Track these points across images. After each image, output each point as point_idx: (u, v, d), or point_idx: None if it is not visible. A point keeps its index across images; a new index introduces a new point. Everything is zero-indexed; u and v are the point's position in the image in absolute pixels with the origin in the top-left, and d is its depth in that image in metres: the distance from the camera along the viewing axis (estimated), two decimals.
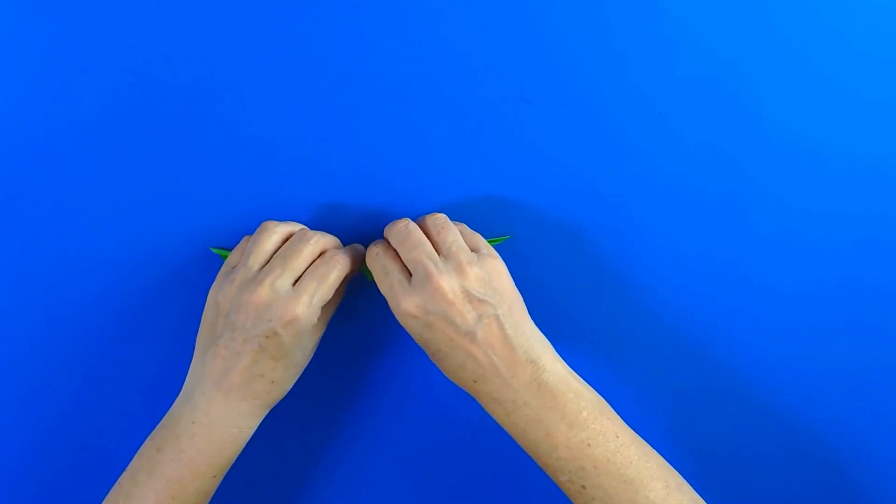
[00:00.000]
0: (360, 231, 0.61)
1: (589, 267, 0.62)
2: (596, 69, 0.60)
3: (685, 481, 0.55)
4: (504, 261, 0.56)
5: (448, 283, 0.52)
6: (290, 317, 0.53)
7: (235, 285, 0.54)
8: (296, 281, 0.55)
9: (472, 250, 0.55)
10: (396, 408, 0.64)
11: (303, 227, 0.58)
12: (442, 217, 0.57)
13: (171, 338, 0.62)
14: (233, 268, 0.57)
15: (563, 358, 0.56)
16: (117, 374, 0.62)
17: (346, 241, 0.61)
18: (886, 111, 0.61)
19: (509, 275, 0.56)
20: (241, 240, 0.59)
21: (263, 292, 0.53)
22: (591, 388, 0.55)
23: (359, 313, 0.62)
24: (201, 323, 0.57)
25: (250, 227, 0.59)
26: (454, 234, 0.55)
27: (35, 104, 0.58)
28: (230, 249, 0.60)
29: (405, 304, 0.53)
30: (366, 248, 0.59)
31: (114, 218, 0.60)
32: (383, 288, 0.55)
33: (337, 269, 0.56)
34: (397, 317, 0.54)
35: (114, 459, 0.62)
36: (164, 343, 0.62)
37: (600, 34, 0.60)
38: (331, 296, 0.55)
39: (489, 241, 0.59)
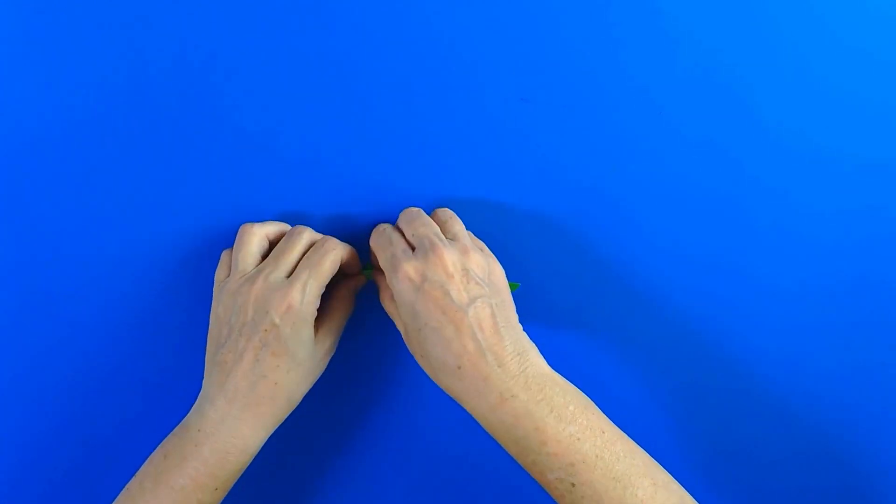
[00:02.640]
0: (359, 231, 0.61)
1: (589, 267, 0.62)
2: (596, 69, 0.60)
3: (672, 478, 0.53)
4: (503, 261, 0.57)
5: (451, 256, 0.53)
6: (285, 305, 0.53)
7: (230, 290, 0.55)
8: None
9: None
10: (399, 419, 0.64)
11: (285, 224, 0.59)
12: (451, 211, 0.59)
13: (173, 339, 0.62)
14: (222, 281, 0.58)
15: (562, 357, 0.56)
16: (120, 376, 0.63)
17: (344, 241, 0.60)
18: (886, 110, 0.61)
19: (503, 274, 0.56)
20: (221, 254, 0.59)
21: (258, 287, 0.54)
22: (576, 388, 0.54)
23: (364, 325, 0.63)
24: (208, 340, 0.57)
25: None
26: (461, 226, 0.57)
27: (33, 106, 0.59)
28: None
29: (405, 267, 0.53)
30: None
31: (114, 220, 0.60)
32: (384, 257, 0.55)
33: (330, 255, 0.56)
34: (394, 284, 0.54)
35: (115, 463, 0.63)
36: (167, 345, 0.62)
37: (600, 34, 0.60)
38: (326, 282, 0.55)
39: None
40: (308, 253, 0.56)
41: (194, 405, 0.56)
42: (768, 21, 0.60)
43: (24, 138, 0.59)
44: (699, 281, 0.62)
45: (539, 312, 0.60)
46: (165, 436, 0.56)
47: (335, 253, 0.56)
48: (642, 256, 0.62)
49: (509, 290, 0.56)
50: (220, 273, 0.59)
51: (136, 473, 0.55)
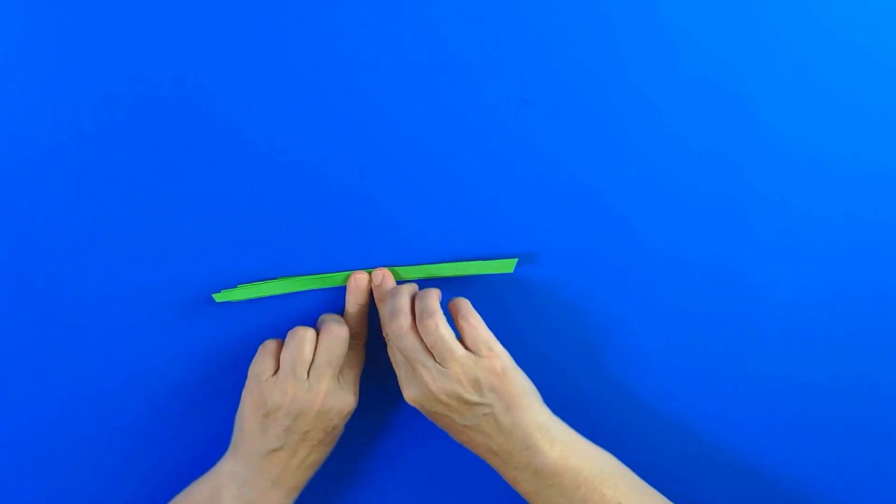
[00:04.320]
0: (359, 231, 0.61)
1: (588, 267, 0.62)
2: (596, 70, 0.59)
3: None
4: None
5: (444, 389, 0.55)
6: (348, 409, 0.58)
7: (290, 396, 0.56)
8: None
9: (472, 351, 0.55)
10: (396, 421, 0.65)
11: (324, 323, 0.59)
12: (433, 322, 0.55)
13: (174, 340, 0.62)
14: (266, 377, 0.57)
15: (558, 361, 0.58)
16: (120, 376, 0.62)
17: (347, 248, 0.61)
18: (886, 114, 0.61)
19: (512, 367, 0.56)
20: (259, 348, 0.59)
21: (321, 400, 0.57)
22: (596, 454, 0.57)
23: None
24: (243, 428, 0.58)
25: (249, 243, 0.60)
26: (449, 343, 0.55)
27: (32, 110, 0.58)
28: (231, 290, 0.60)
29: (408, 395, 0.57)
30: (369, 270, 0.61)
31: (114, 221, 0.60)
32: (396, 373, 0.58)
33: (363, 348, 0.61)
34: (404, 394, 0.58)
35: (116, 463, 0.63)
36: (167, 347, 0.62)
37: (601, 35, 0.59)
38: (362, 367, 0.61)
39: (495, 263, 0.60)
40: (340, 352, 0.58)
41: (226, 481, 0.58)
42: (769, 25, 0.59)
43: (23, 139, 0.58)
44: (697, 283, 0.63)
45: (536, 314, 0.60)
46: (165, 435, 0.60)
47: (362, 345, 0.61)
48: (642, 257, 0.62)
49: (515, 380, 0.56)
50: (263, 368, 0.58)
51: None
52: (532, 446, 0.55)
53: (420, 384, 0.55)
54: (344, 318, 0.60)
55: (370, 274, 0.61)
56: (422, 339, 0.55)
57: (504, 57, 0.59)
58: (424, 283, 0.61)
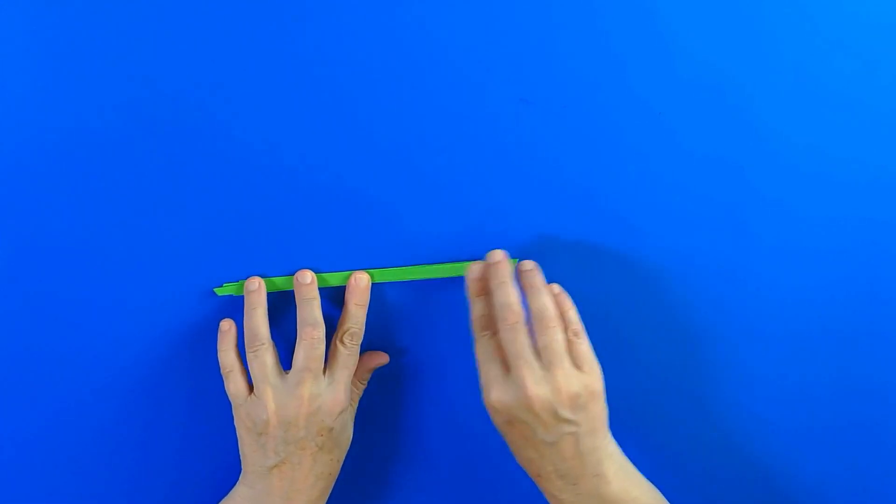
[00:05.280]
0: (359, 232, 0.61)
1: (587, 269, 0.62)
2: (595, 71, 0.60)
3: None
4: None
5: (540, 397, 0.53)
6: (338, 409, 0.57)
7: (272, 407, 0.56)
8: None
9: (576, 366, 0.55)
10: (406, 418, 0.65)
11: (299, 323, 0.58)
12: (553, 324, 0.55)
13: (173, 341, 0.62)
14: (243, 398, 0.58)
15: None
16: (119, 376, 0.63)
17: (347, 248, 0.61)
18: (885, 115, 0.61)
19: (602, 391, 0.56)
20: (221, 370, 0.59)
21: (307, 404, 0.56)
22: (648, 488, 0.57)
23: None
24: (244, 452, 0.58)
25: (248, 242, 0.61)
26: (560, 350, 0.54)
27: (34, 106, 0.59)
28: (233, 284, 0.61)
29: (494, 396, 0.54)
30: (365, 268, 0.60)
31: (114, 223, 0.60)
32: (481, 370, 0.56)
33: (357, 351, 0.59)
34: (485, 401, 0.56)
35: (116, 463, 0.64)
36: (167, 350, 0.62)
37: (600, 36, 0.60)
38: (355, 368, 0.59)
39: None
40: (339, 349, 0.58)
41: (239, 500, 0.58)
42: (768, 26, 0.60)
43: (22, 142, 0.59)
44: (697, 285, 0.62)
45: None
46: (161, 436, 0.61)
47: (358, 344, 0.59)
48: (641, 259, 0.62)
49: (603, 405, 0.56)
50: (236, 389, 0.58)
51: None
52: (601, 474, 0.55)
53: (517, 387, 0.54)
54: (341, 319, 0.60)
55: (370, 275, 0.61)
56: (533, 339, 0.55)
57: (504, 57, 0.59)
58: (424, 284, 0.61)
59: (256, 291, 0.59)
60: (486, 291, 0.58)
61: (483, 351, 0.57)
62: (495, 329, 0.56)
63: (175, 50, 0.59)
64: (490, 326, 0.57)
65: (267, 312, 0.59)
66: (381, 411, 0.64)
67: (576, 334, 0.56)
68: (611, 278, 0.62)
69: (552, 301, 0.56)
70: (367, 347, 0.62)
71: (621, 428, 0.58)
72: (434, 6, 0.59)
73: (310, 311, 0.58)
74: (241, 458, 0.59)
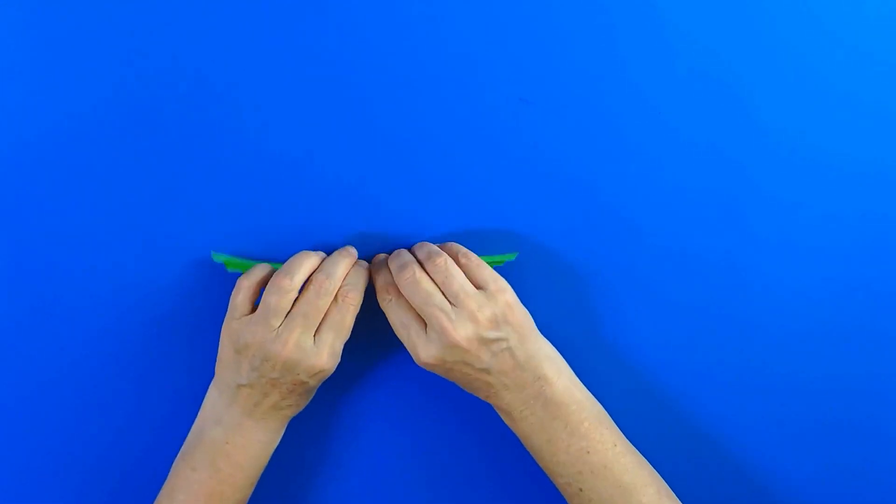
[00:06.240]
0: (358, 230, 0.62)
1: (587, 268, 0.62)
2: (595, 69, 0.60)
3: (672, 491, 0.58)
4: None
5: (464, 333, 0.54)
6: (317, 369, 0.56)
7: (258, 339, 0.55)
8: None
9: (480, 287, 0.56)
10: (400, 408, 0.65)
11: (315, 272, 0.57)
12: (441, 260, 0.56)
13: (170, 343, 0.63)
14: (240, 314, 0.57)
15: (561, 355, 0.57)
16: (118, 376, 0.63)
17: (343, 241, 0.62)
18: (885, 112, 0.61)
19: (517, 299, 0.57)
20: (241, 279, 0.58)
21: (289, 351, 0.55)
22: (594, 399, 0.58)
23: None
24: (220, 358, 0.58)
25: (247, 230, 0.61)
26: (459, 279, 0.56)
27: (31, 109, 0.59)
28: (232, 256, 0.61)
29: (424, 355, 0.56)
30: (368, 261, 0.60)
31: (113, 223, 0.61)
32: (401, 338, 0.57)
33: (350, 312, 0.57)
34: (417, 362, 0.57)
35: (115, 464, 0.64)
36: (166, 348, 0.63)
37: (600, 35, 0.60)
38: (348, 335, 0.58)
39: (495, 259, 0.60)
40: (331, 309, 0.57)
41: (207, 416, 0.58)
42: (768, 23, 0.60)
43: (22, 142, 0.59)
44: (697, 282, 0.63)
45: (535, 313, 0.59)
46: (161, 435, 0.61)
47: (356, 306, 0.57)
48: (641, 257, 0.62)
49: (523, 312, 0.57)
50: (238, 305, 0.58)
51: (162, 489, 0.59)
52: (542, 376, 0.56)
53: (439, 336, 0.54)
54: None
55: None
56: (436, 285, 0.55)
57: (503, 57, 0.60)
58: None
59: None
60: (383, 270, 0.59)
61: (395, 316, 0.57)
62: (397, 292, 0.57)
63: (175, 44, 0.59)
64: (392, 291, 0.57)
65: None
66: (382, 411, 0.64)
67: (464, 256, 0.57)
68: (611, 274, 0.62)
69: (431, 244, 0.58)
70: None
71: (621, 428, 0.58)
72: (434, 6, 0.59)
73: (334, 264, 0.57)
74: (217, 361, 0.59)
